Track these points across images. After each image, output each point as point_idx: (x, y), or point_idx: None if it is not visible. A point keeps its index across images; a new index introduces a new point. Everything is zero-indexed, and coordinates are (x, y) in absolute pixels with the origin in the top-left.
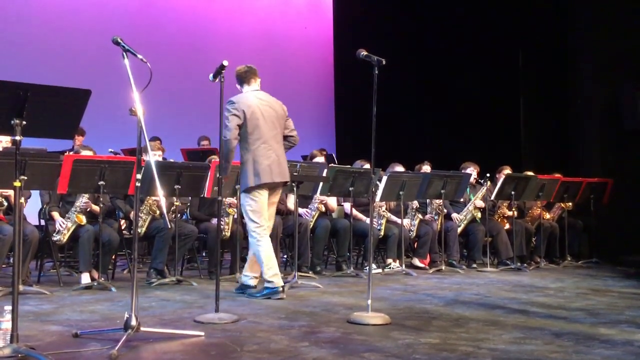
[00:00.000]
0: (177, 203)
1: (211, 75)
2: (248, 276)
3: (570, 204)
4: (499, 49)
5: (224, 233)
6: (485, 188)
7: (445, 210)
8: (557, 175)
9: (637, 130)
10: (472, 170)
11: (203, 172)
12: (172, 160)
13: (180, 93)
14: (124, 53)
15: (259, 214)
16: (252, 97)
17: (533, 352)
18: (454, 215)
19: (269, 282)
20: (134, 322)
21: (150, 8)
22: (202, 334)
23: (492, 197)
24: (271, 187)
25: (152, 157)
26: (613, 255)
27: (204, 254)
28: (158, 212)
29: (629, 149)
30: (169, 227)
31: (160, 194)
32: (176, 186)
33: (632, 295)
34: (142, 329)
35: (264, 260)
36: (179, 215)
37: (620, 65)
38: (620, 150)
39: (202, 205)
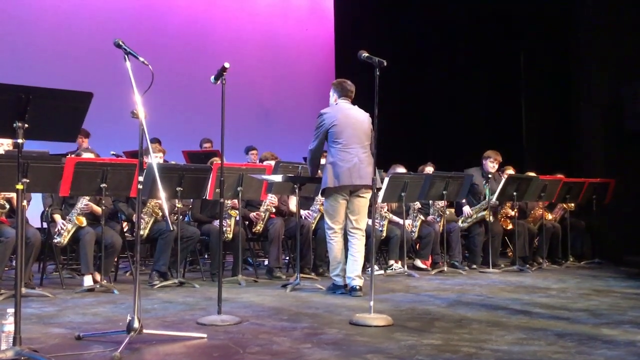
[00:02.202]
0: (179, 205)
1: (213, 77)
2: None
3: (572, 204)
4: (500, 50)
5: (226, 235)
6: (502, 184)
7: (446, 212)
8: (560, 175)
9: (639, 131)
10: (493, 161)
11: (205, 174)
12: (173, 162)
13: (182, 95)
14: (126, 55)
15: (333, 217)
16: (340, 109)
17: (536, 352)
18: (466, 208)
19: (332, 279)
20: (136, 325)
21: (152, 11)
22: (205, 336)
23: (494, 199)
24: (353, 191)
25: (154, 159)
26: (615, 256)
27: (206, 256)
28: (160, 214)
29: (631, 149)
30: (171, 229)
31: (162, 196)
32: (178, 188)
33: (634, 296)
34: (144, 331)
35: (331, 260)
36: (180, 217)
37: (622, 66)
38: (623, 151)
39: (204, 207)
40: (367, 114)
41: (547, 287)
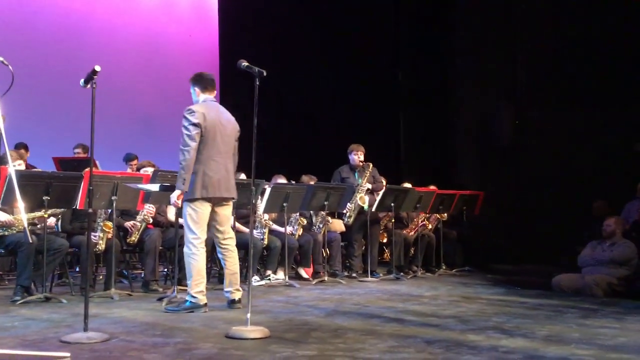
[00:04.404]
0: (46, 215)
1: (82, 80)
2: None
3: (445, 215)
4: (381, 68)
5: (97, 247)
6: (369, 171)
7: (330, 220)
8: (432, 187)
9: (505, 147)
10: (357, 153)
11: (75, 183)
12: (38, 169)
13: (54, 98)
14: None
15: (199, 225)
16: (212, 109)
17: None
18: (347, 205)
19: (193, 297)
20: None
21: (20, 6)
22: (68, 355)
23: (374, 209)
24: (217, 202)
25: (11, 167)
26: (484, 264)
27: (77, 269)
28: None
29: (498, 164)
30: (30, 241)
31: (20, 206)
32: (45, 197)
33: (499, 302)
34: None
35: (194, 275)
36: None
37: (492, 86)
38: (491, 165)
39: (76, 217)
40: (235, 121)
41: (420, 294)
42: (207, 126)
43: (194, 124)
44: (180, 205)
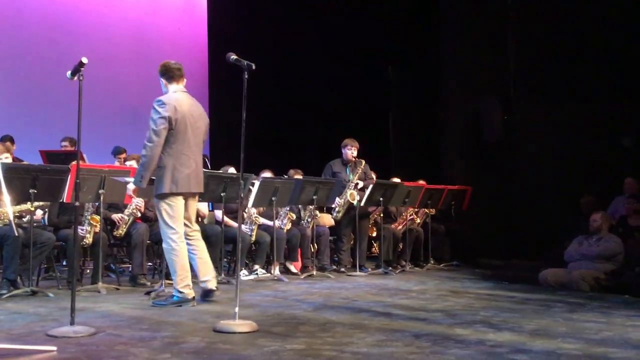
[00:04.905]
0: (32, 209)
1: (69, 72)
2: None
3: (433, 210)
4: (370, 63)
5: (85, 241)
6: (361, 167)
7: (318, 214)
8: (421, 182)
9: (494, 143)
10: (351, 148)
11: (62, 176)
12: (25, 162)
13: (42, 90)
14: None
15: (176, 219)
16: (183, 100)
17: (393, 354)
18: (337, 200)
19: (179, 292)
20: None
21: None
22: (54, 348)
23: (362, 203)
24: (186, 195)
25: None
26: (472, 259)
27: (64, 263)
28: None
29: (487, 159)
30: (15, 234)
31: (6, 199)
32: (32, 190)
33: (487, 297)
34: None
35: (177, 270)
36: (35, 221)
37: (480, 82)
38: (480, 161)
39: (64, 210)
40: (205, 112)
41: (408, 289)
42: (178, 119)
43: (163, 117)
44: (135, 197)
